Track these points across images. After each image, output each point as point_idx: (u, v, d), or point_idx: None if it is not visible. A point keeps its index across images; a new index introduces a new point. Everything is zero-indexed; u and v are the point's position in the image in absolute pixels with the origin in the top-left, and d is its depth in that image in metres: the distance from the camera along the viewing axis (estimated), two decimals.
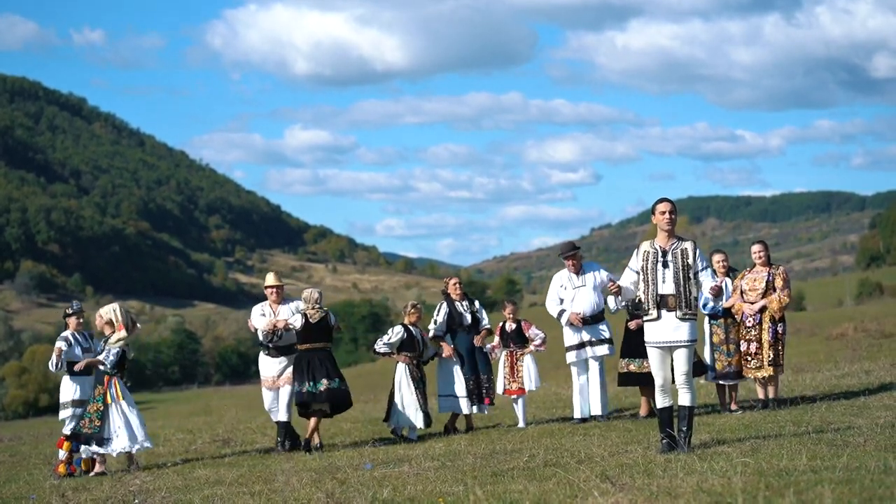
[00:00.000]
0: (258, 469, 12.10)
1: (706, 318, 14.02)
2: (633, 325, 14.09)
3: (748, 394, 15.23)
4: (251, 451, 14.56)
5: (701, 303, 10.34)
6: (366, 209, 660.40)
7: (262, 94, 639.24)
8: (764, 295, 13.69)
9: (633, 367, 14.10)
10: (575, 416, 14.36)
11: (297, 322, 13.90)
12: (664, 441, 10.02)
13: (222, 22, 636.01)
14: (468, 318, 14.82)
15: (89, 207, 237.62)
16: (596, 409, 14.24)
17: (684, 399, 10.16)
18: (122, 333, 13.28)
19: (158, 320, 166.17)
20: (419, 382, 14.45)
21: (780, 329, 13.73)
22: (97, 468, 13.13)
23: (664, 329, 10.17)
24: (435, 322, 14.85)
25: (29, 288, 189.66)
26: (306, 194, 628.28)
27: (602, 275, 14.40)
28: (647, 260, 10.28)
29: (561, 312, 14.37)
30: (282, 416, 14.19)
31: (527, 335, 14.72)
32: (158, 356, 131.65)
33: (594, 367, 14.25)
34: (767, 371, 13.62)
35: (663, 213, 10.28)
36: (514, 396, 14.69)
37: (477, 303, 15.17)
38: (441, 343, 14.73)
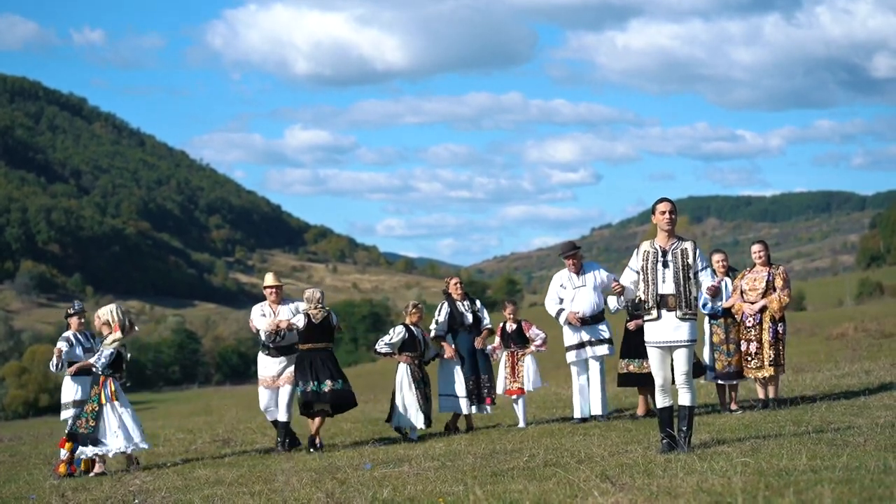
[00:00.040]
0: (258, 469, 12.10)
1: (706, 318, 14.02)
2: (632, 325, 14.09)
3: (748, 393, 15.23)
4: (251, 451, 14.55)
5: (700, 303, 10.34)
6: (366, 209, 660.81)
7: (262, 94, 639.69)
8: (764, 295, 13.69)
9: (632, 368, 14.10)
10: (575, 416, 14.36)
11: (300, 322, 13.90)
12: (664, 441, 10.02)
13: (222, 22, 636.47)
14: (469, 317, 14.82)
15: (89, 207, 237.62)
16: (596, 409, 14.24)
17: (684, 399, 10.16)
18: (118, 335, 13.27)
19: (159, 320, 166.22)
20: (420, 383, 14.44)
21: (780, 329, 13.73)
22: (97, 468, 13.12)
23: (664, 329, 10.17)
24: (436, 322, 14.85)
25: (29, 288, 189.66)
26: (306, 194, 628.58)
27: (602, 275, 14.40)
28: (648, 260, 10.28)
29: (559, 312, 14.38)
30: (282, 416, 14.19)
31: (527, 335, 14.71)
32: (159, 356, 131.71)
33: (595, 366, 14.25)
34: (768, 371, 13.62)
35: (663, 212, 10.28)
36: (514, 396, 14.69)
37: (478, 302, 15.17)
38: (443, 343, 14.74)
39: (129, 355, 13.51)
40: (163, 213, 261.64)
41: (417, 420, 14.30)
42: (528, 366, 14.66)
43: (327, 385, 13.80)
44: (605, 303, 14.37)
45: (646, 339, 10.34)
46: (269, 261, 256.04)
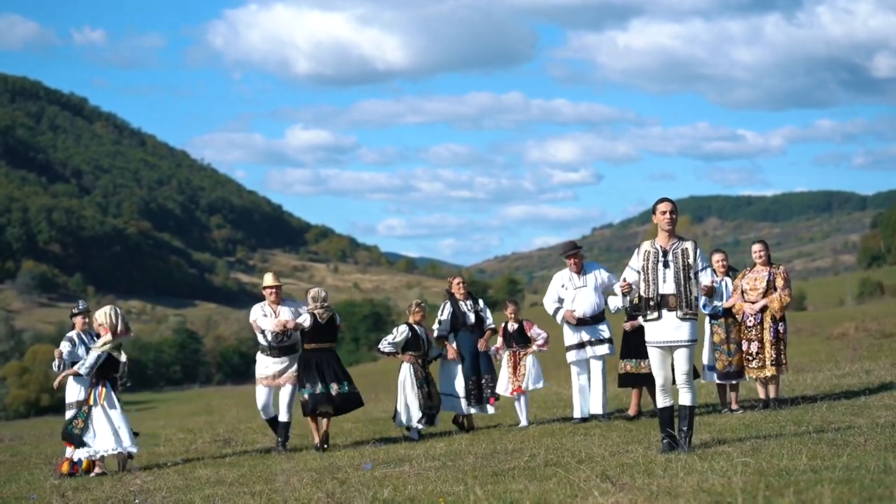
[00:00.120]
0: (259, 469, 12.10)
1: (706, 318, 14.02)
2: (628, 325, 14.11)
3: (748, 393, 15.23)
4: (252, 451, 14.56)
5: (701, 303, 10.35)
6: (367, 209, 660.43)
7: (263, 93, 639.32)
8: (765, 294, 13.70)
9: (629, 368, 14.09)
10: (575, 416, 14.36)
11: (307, 322, 13.92)
12: (665, 441, 10.03)
13: (223, 22, 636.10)
14: (472, 317, 14.83)
15: (90, 207, 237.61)
16: (596, 408, 14.24)
17: (685, 399, 10.16)
18: (108, 337, 13.25)
19: (160, 320, 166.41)
20: (423, 382, 14.45)
21: (780, 328, 13.73)
22: (97, 469, 13.14)
23: (665, 329, 10.18)
24: (439, 322, 14.86)
25: (30, 288, 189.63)
26: (307, 194, 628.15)
27: (603, 275, 14.40)
28: (648, 259, 10.28)
29: (556, 310, 14.39)
30: (283, 416, 14.21)
31: (529, 335, 14.71)
32: (160, 356, 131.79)
33: (597, 366, 14.25)
34: (770, 371, 13.62)
35: (664, 212, 10.29)
36: (514, 395, 14.70)
37: (481, 302, 15.18)
38: (445, 343, 14.75)
39: (123, 357, 13.40)
40: (164, 212, 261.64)
41: (416, 418, 14.31)
42: (529, 365, 14.66)
43: (333, 388, 13.83)
44: (606, 303, 14.38)
45: (646, 338, 10.34)
46: (270, 261, 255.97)
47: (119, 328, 13.30)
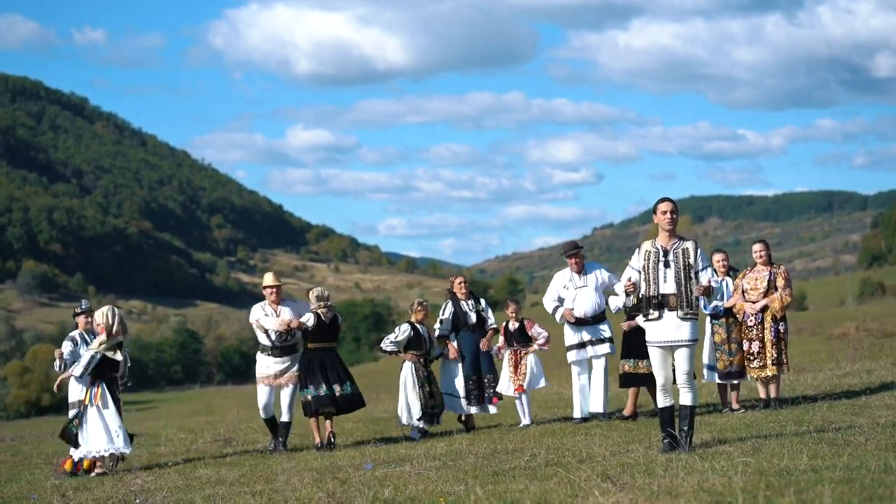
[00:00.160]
0: (260, 469, 12.10)
1: (707, 318, 14.01)
2: (625, 325, 14.11)
3: (749, 393, 15.23)
4: (253, 450, 14.57)
5: (701, 303, 10.34)
6: (368, 209, 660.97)
7: (263, 93, 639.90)
8: (765, 294, 13.69)
9: (627, 368, 14.07)
10: (575, 416, 14.36)
11: (310, 321, 13.93)
12: (665, 440, 10.02)
13: (224, 21, 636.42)
14: (473, 317, 14.83)
15: (91, 207, 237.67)
16: (596, 407, 14.23)
17: (686, 399, 10.15)
18: (102, 338, 13.26)
19: (161, 320, 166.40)
20: (425, 381, 14.45)
21: (781, 328, 13.73)
22: (98, 468, 13.15)
23: (665, 328, 10.17)
24: (440, 322, 14.86)
25: (31, 288, 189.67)
26: (308, 194, 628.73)
27: (604, 275, 14.40)
28: (649, 259, 10.28)
29: (556, 308, 14.40)
30: (284, 416, 14.21)
31: (530, 334, 14.72)
32: (161, 356, 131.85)
33: (599, 364, 14.23)
34: (771, 370, 13.62)
35: (665, 212, 10.28)
36: (516, 394, 14.70)
37: (483, 301, 15.18)
38: (447, 343, 14.75)
39: (119, 356, 13.35)
40: (164, 212, 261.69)
41: (416, 417, 14.31)
42: (531, 364, 14.65)
43: (336, 389, 13.87)
44: (607, 303, 14.38)
45: (647, 338, 10.34)
46: (270, 260, 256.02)
47: (114, 328, 13.28)
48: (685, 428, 10.06)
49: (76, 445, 13.16)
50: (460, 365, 14.66)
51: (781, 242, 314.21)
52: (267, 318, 14.14)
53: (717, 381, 14.11)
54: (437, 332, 14.83)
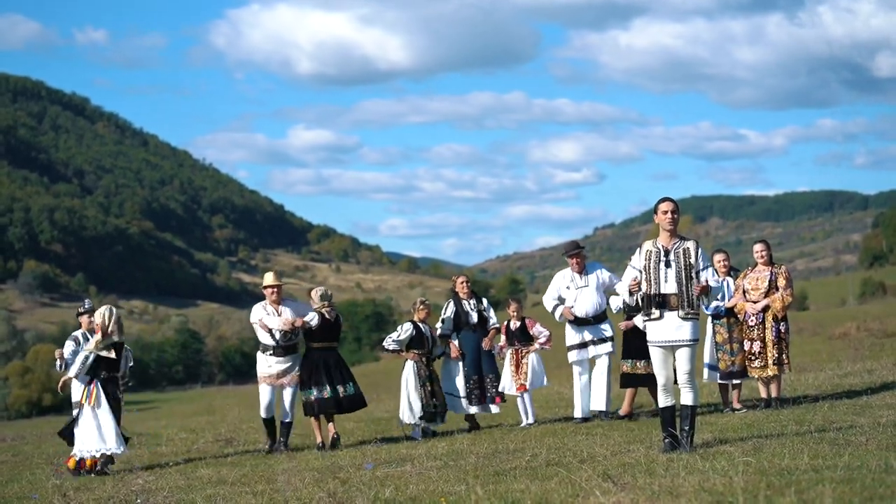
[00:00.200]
0: (260, 469, 12.11)
1: (709, 318, 14.01)
2: (622, 325, 14.12)
3: (750, 393, 15.23)
4: (254, 450, 14.56)
5: (702, 304, 10.34)
6: (369, 209, 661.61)
7: (265, 93, 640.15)
8: (767, 294, 13.69)
9: (625, 368, 14.07)
10: (576, 416, 14.36)
11: (315, 321, 13.94)
12: (666, 440, 10.02)
13: (225, 21, 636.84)
14: (474, 316, 14.83)
15: (92, 207, 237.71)
16: (598, 405, 14.22)
17: (687, 398, 10.15)
18: (97, 337, 13.28)
19: (162, 320, 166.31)
20: (426, 380, 14.46)
21: (782, 328, 13.72)
22: (99, 468, 13.16)
23: (666, 328, 10.16)
24: (442, 321, 14.88)
25: (32, 288, 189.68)
26: (310, 194, 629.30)
27: (605, 275, 14.40)
28: (650, 259, 10.28)
29: (555, 307, 14.40)
30: (286, 416, 14.21)
31: (531, 333, 14.73)
32: (162, 356, 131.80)
33: (602, 363, 14.22)
34: (772, 370, 13.62)
35: (665, 212, 10.28)
36: (517, 393, 14.70)
37: (485, 301, 15.18)
38: (448, 342, 14.76)
39: (111, 354, 13.33)
40: (166, 212, 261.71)
41: (418, 416, 14.32)
42: (532, 363, 14.66)
43: (340, 390, 13.90)
44: (608, 303, 14.38)
45: (648, 338, 10.34)
46: (272, 260, 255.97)
47: (109, 328, 13.28)
48: (686, 428, 10.05)
49: (70, 444, 13.23)
50: (461, 364, 14.66)
51: (782, 242, 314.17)
52: (271, 318, 14.13)
53: (719, 380, 14.11)
54: (438, 331, 14.84)
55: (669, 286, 10.16)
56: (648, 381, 13.53)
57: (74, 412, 13.74)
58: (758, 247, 14.02)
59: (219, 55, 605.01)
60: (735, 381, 13.94)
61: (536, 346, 14.72)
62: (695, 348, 10.22)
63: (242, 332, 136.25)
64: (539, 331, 14.72)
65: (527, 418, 14.62)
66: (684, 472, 8.21)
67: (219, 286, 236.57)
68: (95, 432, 13.10)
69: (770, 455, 8.83)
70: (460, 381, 14.62)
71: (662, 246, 10.29)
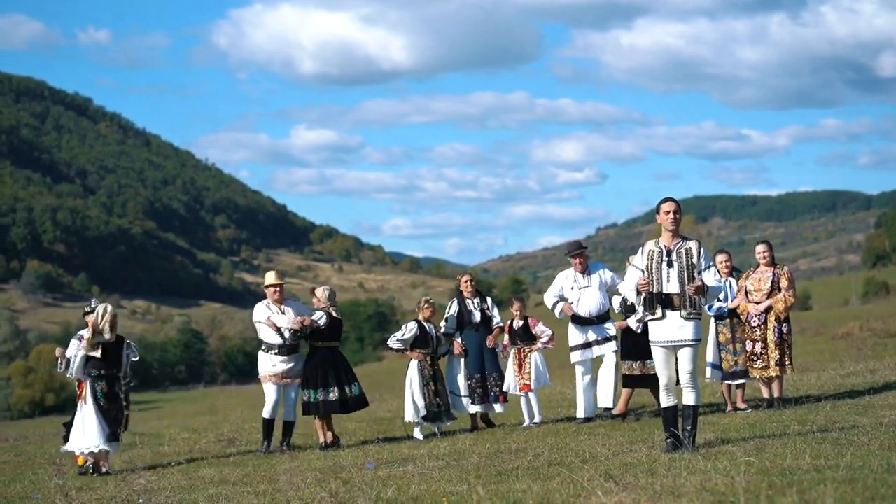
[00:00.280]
0: (263, 469, 12.11)
1: (711, 318, 14.01)
2: (618, 325, 14.12)
3: (752, 393, 15.22)
4: (256, 450, 14.56)
5: (706, 304, 10.33)
6: (372, 209, 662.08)
7: (268, 93, 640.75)
8: (769, 295, 13.69)
9: (623, 369, 14.06)
10: (579, 416, 14.35)
11: (322, 320, 13.96)
12: (668, 440, 10.01)
13: (228, 21, 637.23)
14: (477, 315, 14.83)
15: (95, 207, 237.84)
16: (605, 402, 14.19)
17: (689, 398, 10.15)
18: (87, 335, 13.30)
19: (165, 320, 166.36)
20: (430, 379, 14.45)
21: (784, 329, 13.71)
22: (101, 468, 13.18)
23: (669, 328, 10.16)
24: (446, 319, 14.89)
25: (35, 288, 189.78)
26: (312, 194, 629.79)
27: (607, 275, 14.39)
28: (652, 259, 10.27)
29: (555, 304, 14.40)
30: (290, 416, 14.22)
31: (534, 332, 14.72)
32: (165, 355, 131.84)
33: (609, 360, 14.19)
34: (773, 371, 13.61)
35: (667, 212, 10.28)
36: (521, 393, 14.70)
37: (489, 300, 15.18)
38: (452, 340, 14.76)
39: (98, 353, 13.33)
40: (168, 212, 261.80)
41: (422, 415, 14.32)
42: (535, 363, 14.65)
43: (347, 392, 13.92)
44: (611, 302, 14.37)
45: (650, 338, 10.33)
46: (274, 260, 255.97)
47: (101, 326, 13.29)
48: (688, 428, 10.05)
49: (66, 441, 13.33)
50: (463, 361, 14.66)
51: (785, 242, 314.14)
52: (278, 317, 14.11)
53: (722, 380, 14.11)
54: (442, 330, 14.85)
55: (672, 286, 10.15)
56: (645, 382, 13.53)
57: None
58: (760, 248, 14.02)
59: (221, 55, 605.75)
60: (739, 382, 13.94)
61: (539, 345, 14.72)
62: (697, 348, 10.21)
63: (245, 332, 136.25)
64: (542, 330, 14.72)
65: (531, 418, 14.62)
66: (686, 472, 8.21)
67: (221, 286, 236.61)
68: (81, 429, 13.15)
69: (772, 455, 8.83)
70: (462, 380, 14.62)
71: (665, 246, 10.29)
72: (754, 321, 13.73)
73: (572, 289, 14.38)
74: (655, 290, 10.17)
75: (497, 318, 14.98)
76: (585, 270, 14.39)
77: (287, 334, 14.07)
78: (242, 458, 13.70)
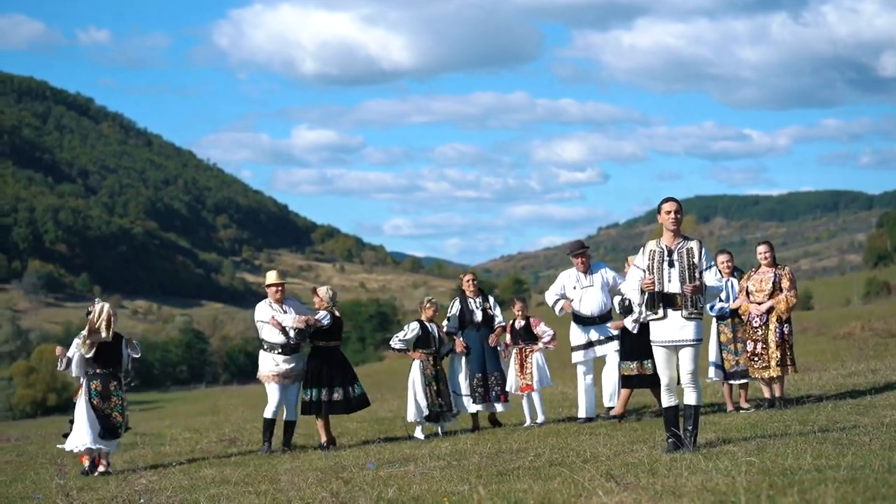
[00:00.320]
0: (264, 468, 12.11)
1: (713, 319, 14.01)
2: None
3: (754, 393, 15.22)
4: (257, 450, 14.56)
5: (707, 305, 10.33)
6: (373, 209, 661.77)
7: (268, 93, 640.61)
8: (771, 296, 13.68)
9: (622, 369, 14.04)
10: (580, 416, 14.35)
11: (326, 319, 13.97)
12: (670, 440, 10.01)
13: (228, 21, 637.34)
14: (479, 314, 14.83)
15: (97, 207, 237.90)
16: (610, 402, 14.19)
17: (690, 398, 10.15)
18: (83, 333, 13.32)
19: (166, 320, 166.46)
20: (432, 379, 14.45)
21: (786, 330, 13.71)
22: (101, 468, 13.19)
23: (670, 328, 10.15)
24: (448, 318, 14.89)
25: (37, 288, 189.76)
26: (313, 194, 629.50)
27: (609, 275, 14.40)
28: (653, 259, 10.27)
29: (556, 301, 14.40)
30: (291, 415, 14.22)
31: (535, 332, 14.73)
32: (166, 355, 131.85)
33: (612, 359, 14.19)
34: (774, 371, 13.61)
35: (669, 212, 10.28)
36: (523, 393, 14.70)
37: (491, 299, 15.17)
38: (454, 338, 14.77)
39: (90, 354, 13.33)
40: (170, 212, 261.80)
41: (424, 415, 14.32)
42: (536, 363, 14.65)
43: (350, 392, 13.93)
44: (612, 302, 14.37)
45: (651, 338, 10.33)
46: (276, 260, 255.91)
47: (97, 325, 13.30)
48: (689, 427, 10.05)
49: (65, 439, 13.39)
50: (464, 360, 14.66)
51: (787, 242, 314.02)
52: (283, 315, 14.10)
53: (723, 380, 14.11)
54: (444, 329, 14.85)
55: (673, 286, 10.15)
56: (643, 382, 13.52)
57: None
58: (761, 248, 14.02)
59: (222, 55, 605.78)
60: (741, 381, 13.95)
61: (541, 345, 14.72)
62: (698, 348, 10.21)
63: (247, 332, 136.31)
64: (543, 330, 14.72)
65: (532, 418, 14.62)
66: (687, 472, 8.21)
67: (223, 286, 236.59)
68: (77, 429, 13.17)
69: (773, 455, 8.83)
70: (464, 380, 14.62)
71: (666, 246, 10.29)
72: (756, 321, 13.73)
73: (574, 288, 14.39)
74: (657, 290, 10.18)
75: (499, 318, 14.98)
76: (587, 270, 14.40)
77: (292, 333, 14.06)
78: (244, 458, 13.71)
